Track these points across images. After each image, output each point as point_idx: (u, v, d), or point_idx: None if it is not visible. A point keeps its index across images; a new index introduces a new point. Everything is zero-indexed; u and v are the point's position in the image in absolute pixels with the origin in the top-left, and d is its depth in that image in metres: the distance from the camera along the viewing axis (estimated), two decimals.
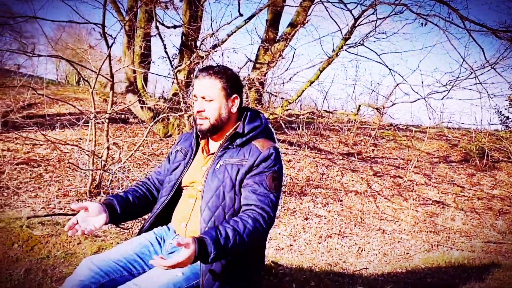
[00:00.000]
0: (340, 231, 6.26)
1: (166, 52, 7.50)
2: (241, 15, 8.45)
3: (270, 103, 10.56)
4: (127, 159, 6.34)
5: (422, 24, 8.92)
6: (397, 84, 8.81)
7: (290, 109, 9.36)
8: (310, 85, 9.19)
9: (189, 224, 1.99)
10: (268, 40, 9.68)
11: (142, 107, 9.09)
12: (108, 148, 6.14)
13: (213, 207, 1.90)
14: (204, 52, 8.03)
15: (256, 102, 9.34)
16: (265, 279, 3.22)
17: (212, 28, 7.91)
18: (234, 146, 2.00)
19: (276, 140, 2.13)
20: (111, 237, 3.74)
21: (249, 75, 8.85)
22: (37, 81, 11.32)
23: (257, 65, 9.39)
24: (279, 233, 5.89)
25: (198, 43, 8.46)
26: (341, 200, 7.35)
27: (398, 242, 6.15)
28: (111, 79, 6.15)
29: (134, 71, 8.92)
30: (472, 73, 8.29)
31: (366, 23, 8.87)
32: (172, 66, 8.38)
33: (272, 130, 2.16)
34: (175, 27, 8.91)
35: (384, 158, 9.60)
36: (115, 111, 7.62)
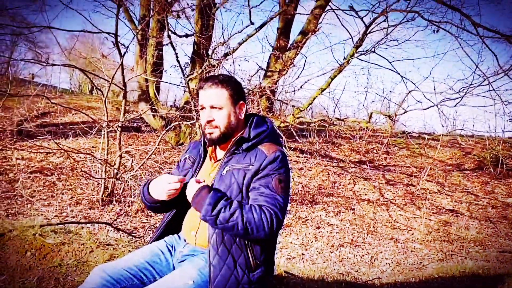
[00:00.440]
0: (352, 240, 6.20)
1: (178, 60, 7.55)
2: (252, 23, 8.49)
3: (281, 111, 10.56)
4: (139, 167, 6.37)
5: (434, 31, 8.89)
6: (409, 92, 8.76)
7: (301, 117, 9.35)
8: (321, 92, 9.18)
9: (198, 232, 2.00)
10: (279, 48, 9.70)
11: (154, 116, 9.15)
12: (120, 156, 6.18)
13: None
14: (215, 60, 8.08)
15: (267, 110, 9.35)
16: None
17: (223, 37, 7.96)
18: (240, 151, 2.02)
19: (282, 144, 2.13)
20: (122, 246, 3.75)
21: (260, 83, 8.87)
22: (51, 90, 11.47)
23: (268, 73, 9.41)
24: (291, 242, 5.85)
25: (210, 52, 8.51)
26: (353, 209, 7.29)
27: (411, 251, 6.08)
28: (123, 88, 6.20)
29: (147, 80, 8.99)
30: (485, 79, 8.21)
31: (377, 30, 8.86)
32: (184, 75, 8.43)
33: (279, 134, 2.17)
34: (187, 36, 8.98)
35: (397, 166, 9.52)
36: (128, 119, 7.69)
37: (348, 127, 10.43)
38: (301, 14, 10.32)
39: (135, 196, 6.16)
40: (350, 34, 8.92)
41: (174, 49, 7.26)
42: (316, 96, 9.26)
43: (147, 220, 5.73)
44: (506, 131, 10.92)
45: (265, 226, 1.78)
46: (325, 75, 8.92)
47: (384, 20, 8.55)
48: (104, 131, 6.09)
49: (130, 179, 6.20)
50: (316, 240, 6.02)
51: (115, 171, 6.08)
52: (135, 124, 9.60)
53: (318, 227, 6.48)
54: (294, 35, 10.39)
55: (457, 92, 8.40)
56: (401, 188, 8.42)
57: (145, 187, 2.08)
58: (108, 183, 6.12)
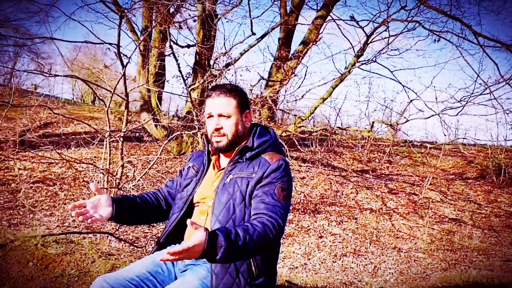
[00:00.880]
0: (355, 249, 6.17)
1: (180, 71, 7.60)
2: (253, 34, 8.55)
3: (283, 120, 10.58)
4: (141, 177, 6.37)
5: (435, 40, 8.93)
6: (411, 101, 8.77)
7: (303, 126, 9.37)
8: (322, 102, 9.20)
9: None
10: (280, 58, 9.74)
11: (156, 126, 9.17)
12: (122, 166, 6.18)
13: (224, 221, 1.91)
14: (217, 70, 8.12)
15: (269, 119, 9.36)
16: None
17: (225, 47, 8.02)
18: (244, 160, 2.04)
19: (285, 154, 2.15)
20: (124, 256, 3.74)
21: (262, 92, 8.90)
22: (53, 100, 11.53)
23: (270, 83, 9.44)
24: (293, 252, 5.83)
25: (212, 62, 8.55)
26: (356, 218, 7.27)
27: (415, 260, 6.04)
28: (126, 98, 6.22)
29: (149, 90, 9.03)
30: (486, 88, 8.21)
31: (378, 40, 8.91)
32: (186, 85, 8.46)
33: (282, 144, 2.19)
34: (188, 46, 9.03)
35: (399, 175, 9.50)
36: (130, 129, 7.70)
37: (350, 136, 10.42)
38: (302, 24, 10.40)
39: None
40: (351, 43, 8.95)
41: (176, 60, 7.32)
42: (318, 105, 9.28)
43: (149, 230, 5.72)
44: (508, 140, 10.91)
45: (270, 235, 1.78)
46: (326, 85, 8.95)
47: (385, 30, 8.60)
48: (106, 141, 6.10)
49: (132, 189, 6.20)
50: (318, 250, 6.00)
51: (117, 181, 6.08)
52: (137, 134, 9.62)
53: (321, 237, 6.45)
54: (295, 45, 10.46)
55: (459, 101, 8.41)
56: (403, 197, 8.39)
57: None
58: (110, 193, 6.11)
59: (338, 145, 10.45)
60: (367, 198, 8.18)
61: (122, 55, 5.97)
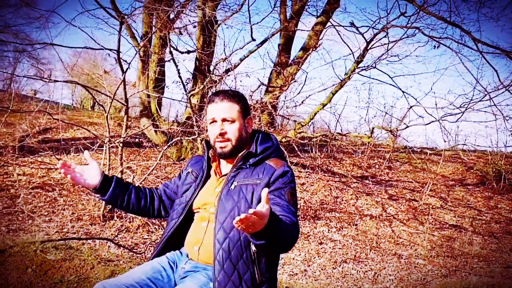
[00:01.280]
0: (355, 256, 6.15)
1: (180, 76, 7.60)
2: (253, 40, 8.57)
3: (282, 126, 10.57)
4: (140, 183, 6.36)
5: (434, 46, 8.95)
6: (411, 107, 8.77)
7: (303, 132, 9.36)
8: (322, 108, 9.21)
9: (202, 248, 1.98)
10: (280, 64, 9.76)
11: (156, 131, 9.16)
12: (122, 172, 6.17)
13: (228, 228, 1.90)
14: (217, 76, 8.12)
15: (268, 125, 9.36)
16: None
17: (225, 53, 8.02)
18: (247, 166, 2.03)
19: (287, 160, 2.15)
20: (123, 262, 3.72)
21: (261, 98, 8.90)
22: (53, 106, 11.50)
23: (270, 89, 9.45)
24: (293, 258, 5.81)
25: (211, 68, 8.56)
26: (356, 224, 7.25)
27: (415, 267, 6.02)
28: (125, 104, 6.22)
29: (148, 96, 9.03)
30: (486, 95, 8.21)
31: (378, 46, 8.93)
32: (185, 91, 8.46)
33: (284, 151, 2.19)
34: (188, 52, 9.04)
35: (399, 181, 9.49)
36: (129, 135, 7.69)
37: (350, 142, 10.41)
38: (302, 30, 10.42)
39: None
40: (351, 50, 8.96)
41: (176, 65, 7.32)
42: (318, 111, 9.28)
43: (148, 236, 5.70)
44: (508, 146, 10.90)
45: (298, 233, 1.82)
46: (326, 91, 8.96)
47: (385, 36, 8.62)
48: (105, 147, 6.09)
49: None
50: (318, 256, 5.98)
51: None
52: (136, 140, 9.61)
53: (321, 243, 6.43)
54: (295, 51, 10.48)
55: (458, 108, 8.40)
56: (403, 203, 8.38)
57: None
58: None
59: (338, 151, 10.45)
60: (367, 204, 8.16)
61: (122, 61, 5.98)
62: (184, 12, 8.35)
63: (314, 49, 9.36)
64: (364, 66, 9.08)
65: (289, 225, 1.73)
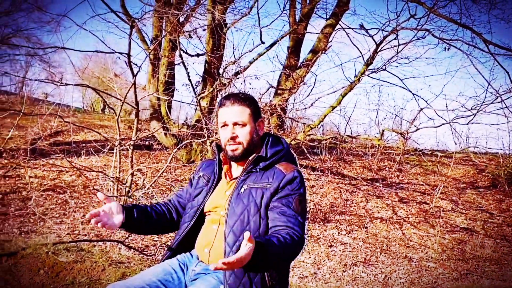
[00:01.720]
0: (365, 259, 6.12)
1: (189, 79, 7.63)
2: (262, 42, 8.55)
3: (292, 128, 10.56)
4: (151, 185, 6.39)
5: (445, 48, 8.89)
6: (421, 109, 8.72)
7: (312, 134, 9.35)
8: (332, 110, 9.18)
9: (212, 250, 1.99)
10: (289, 66, 9.76)
11: (166, 134, 9.21)
12: (132, 174, 6.21)
13: (238, 231, 1.90)
14: (226, 79, 8.14)
15: (278, 127, 9.36)
16: None
17: (234, 56, 8.03)
18: (258, 170, 2.03)
19: (298, 164, 2.14)
20: (134, 264, 3.74)
21: (271, 101, 8.90)
22: (64, 109, 11.60)
23: (279, 91, 9.45)
24: (303, 261, 5.79)
25: (221, 71, 8.58)
26: (366, 227, 7.22)
27: (426, 270, 5.98)
28: (136, 107, 6.26)
29: (158, 99, 9.08)
30: (498, 97, 8.13)
31: (388, 48, 8.89)
32: (195, 93, 8.49)
33: (294, 154, 2.18)
34: (198, 55, 9.08)
35: (410, 184, 9.43)
36: (140, 138, 7.74)
37: (360, 145, 10.37)
38: (311, 33, 10.40)
39: None
40: (360, 52, 8.93)
41: (186, 68, 7.35)
42: (327, 114, 9.26)
43: (158, 238, 5.72)
44: None
45: (298, 248, 1.80)
46: (336, 93, 8.93)
47: (395, 38, 8.59)
48: (116, 149, 6.14)
49: (142, 197, 6.22)
50: (328, 259, 5.96)
51: (127, 189, 6.11)
52: (147, 142, 9.66)
53: (331, 246, 6.41)
54: (304, 53, 10.47)
55: (470, 110, 8.33)
56: (414, 206, 8.32)
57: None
58: (120, 201, 6.13)
59: (348, 154, 10.41)
60: (377, 207, 8.12)
61: (132, 64, 6.03)
62: (193, 15, 8.39)
63: (323, 51, 9.35)
64: (374, 69, 9.05)
65: (287, 244, 1.71)
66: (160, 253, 4.90)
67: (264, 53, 9.08)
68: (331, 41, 9.72)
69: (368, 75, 9.13)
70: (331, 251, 6.26)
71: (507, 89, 8.28)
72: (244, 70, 8.53)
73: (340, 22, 9.85)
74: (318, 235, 6.69)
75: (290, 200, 1.90)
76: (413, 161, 10.80)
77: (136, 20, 6.66)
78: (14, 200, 6.48)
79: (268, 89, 8.73)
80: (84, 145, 8.77)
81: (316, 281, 5.23)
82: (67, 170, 7.45)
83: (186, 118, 13.13)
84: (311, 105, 8.76)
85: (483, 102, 8.24)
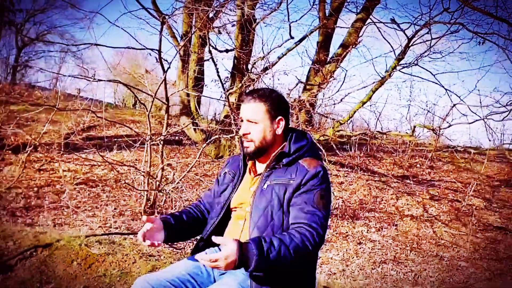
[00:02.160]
0: (395, 256, 6.04)
1: (218, 75, 7.67)
2: (292, 37, 8.52)
3: (321, 124, 10.49)
4: (180, 180, 6.46)
5: (479, 42, 8.65)
6: (454, 105, 8.51)
7: (341, 130, 9.26)
8: (362, 105, 9.07)
9: None
10: (319, 61, 9.68)
11: (195, 129, 9.29)
12: (162, 169, 6.29)
13: (262, 227, 1.91)
14: (255, 74, 8.14)
15: (306, 123, 9.31)
16: None
17: (263, 51, 8.02)
18: (281, 166, 2.02)
19: (323, 159, 2.12)
20: (164, 257, 3.80)
21: (299, 96, 8.86)
22: (96, 104, 11.84)
23: (308, 87, 9.39)
24: (331, 258, 5.76)
25: (249, 66, 8.59)
26: (396, 225, 7.12)
27: (457, 269, 5.86)
28: (166, 103, 6.34)
29: (188, 95, 9.16)
30: None
31: (420, 43, 8.70)
32: (224, 89, 8.53)
33: (320, 149, 2.16)
34: (227, 51, 9.10)
35: (441, 181, 9.25)
36: (170, 133, 7.83)
37: (391, 141, 10.21)
38: (341, 27, 10.27)
39: (176, 208, 6.25)
40: (392, 46, 8.77)
41: (215, 64, 7.40)
42: (357, 109, 9.14)
43: None
44: None
45: (309, 246, 1.78)
46: (366, 88, 8.79)
47: (427, 33, 8.40)
48: (147, 144, 6.23)
49: (172, 191, 6.30)
50: (357, 256, 5.91)
51: (157, 183, 6.20)
52: (176, 138, 9.78)
53: (359, 243, 6.35)
54: (334, 48, 10.35)
55: (505, 106, 8.08)
56: (446, 203, 8.16)
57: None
58: (150, 195, 6.23)
59: (378, 150, 10.28)
60: (407, 204, 8.00)
61: (163, 60, 6.10)
62: (223, 11, 8.40)
63: (353, 46, 9.22)
64: (405, 63, 8.88)
65: (293, 240, 1.75)
66: (189, 247, 4.96)
67: (293, 48, 9.04)
68: (361, 36, 9.57)
69: (399, 70, 8.97)
70: (360, 248, 6.20)
71: None
72: (273, 65, 8.52)
73: (371, 16, 9.69)
74: (347, 232, 6.64)
75: (311, 195, 1.89)
76: (445, 158, 10.58)
77: (167, 17, 6.72)
78: (48, 193, 6.66)
79: (297, 84, 8.69)
80: (116, 139, 8.94)
81: (344, 278, 5.20)
82: (99, 164, 7.61)
83: (215, 114, 13.22)
84: (341, 100, 8.66)
85: None
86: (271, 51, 8.06)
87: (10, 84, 15.64)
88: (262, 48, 8.01)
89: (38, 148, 7.48)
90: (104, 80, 7.47)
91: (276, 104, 2.07)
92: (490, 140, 12.80)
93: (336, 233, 6.55)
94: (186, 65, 9.25)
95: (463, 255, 6.35)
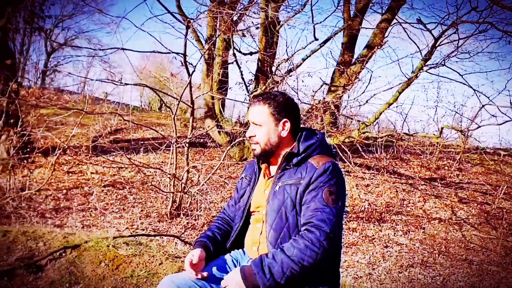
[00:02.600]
0: (422, 260, 5.94)
1: (242, 78, 7.72)
2: (316, 39, 8.49)
3: (346, 126, 10.41)
4: (205, 182, 6.51)
5: (509, 42, 8.46)
6: (483, 106, 8.32)
7: (367, 132, 9.16)
8: (388, 107, 8.97)
9: (260, 248, 2.02)
10: (343, 62, 9.61)
11: (219, 132, 9.35)
12: (188, 171, 6.35)
13: (278, 228, 1.93)
14: (279, 77, 8.14)
15: (331, 125, 9.25)
16: None
17: (287, 53, 8.03)
18: (291, 166, 2.02)
19: (335, 155, 2.10)
20: None
21: (324, 98, 8.82)
22: (123, 107, 12.06)
23: (333, 88, 9.34)
24: (357, 261, 5.70)
25: (273, 68, 8.59)
26: (424, 228, 7.00)
27: (487, 274, 5.72)
28: (191, 105, 6.40)
29: (213, 97, 9.22)
30: None
31: (447, 43, 8.58)
32: (248, 92, 8.56)
33: (330, 146, 2.14)
34: (251, 53, 9.13)
35: (470, 184, 9.05)
36: (195, 135, 7.89)
37: (417, 143, 10.06)
38: (366, 28, 10.19)
39: (201, 210, 6.29)
40: (418, 47, 8.65)
41: (239, 67, 7.44)
42: (383, 111, 9.05)
43: None
44: None
45: (315, 250, 1.77)
46: (392, 89, 8.70)
47: (455, 32, 8.28)
48: (172, 147, 6.30)
49: (197, 193, 6.35)
50: (384, 260, 5.83)
51: (183, 185, 6.26)
52: (201, 140, 9.85)
53: (386, 246, 6.27)
54: (359, 49, 10.27)
55: None
56: (475, 206, 7.98)
57: None
58: (176, 197, 6.29)
59: (405, 152, 10.13)
60: (435, 207, 7.85)
61: (188, 64, 6.16)
62: (247, 14, 8.44)
63: (379, 47, 9.13)
64: (432, 64, 8.75)
65: (287, 253, 1.78)
66: None
67: (318, 49, 9.01)
68: (387, 36, 9.47)
69: (426, 71, 8.85)
70: (387, 251, 6.12)
71: None
72: (297, 67, 8.51)
73: (396, 17, 9.59)
74: (373, 235, 6.56)
75: (319, 192, 1.88)
76: (474, 160, 10.36)
77: (192, 20, 6.79)
78: (76, 195, 6.81)
79: (321, 86, 8.66)
80: (142, 142, 9.06)
81: (371, 281, 5.13)
82: (126, 167, 7.73)
83: (239, 116, 13.28)
84: (366, 102, 8.58)
85: None
86: (295, 53, 8.06)
87: (40, 89, 16.07)
88: (286, 50, 8.04)
89: (67, 151, 7.64)
90: (131, 84, 7.59)
91: (281, 106, 2.07)
92: None
93: (362, 236, 6.48)
94: (210, 68, 9.32)
95: (493, 260, 6.19)
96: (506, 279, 5.60)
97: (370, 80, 8.33)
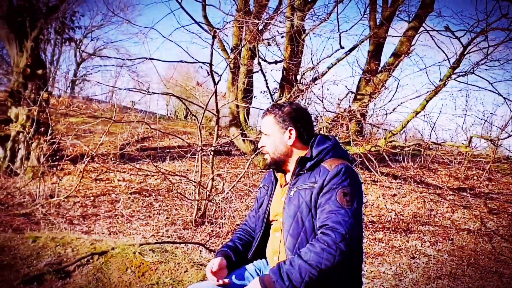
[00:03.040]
0: (450, 272, 5.80)
1: (267, 86, 7.74)
2: (342, 47, 8.46)
3: (372, 134, 10.30)
4: (230, 190, 6.53)
5: None
6: None
7: (394, 141, 9.05)
8: (415, 115, 8.84)
9: (280, 257, 2.02)
10: (369, 71, 9.56)
11: (244, 140, 9.38)
12: (212, 179, 6.39)
13: (295, 234, 1.93)
14: (304, 85, 8.14)
15: (357, 133, 9.18)
16: None
17: (312, 62, 8.02)
18: (305, 171, 2.02)
19: (349, 158, 2.09)
20: None
21: (350, 106, 8.77)
22: (150, 116, 12.24)
23: (359, 97, 9.28)
24: (383, 272, 5.61)
25: (298, 77, 8.60)
26: (452, 239, 6.84)
27: None
28: (216, 114, 6.45)
29: (238, 106, 9.28)
30: None
31: (476, 50, 8.42)
32: (273, 100, 8.58)
33: (345, 150, 2.14)
34: (276, 62, 9.16)
35: (501, 194, 8.82)
36: (220, 144, 7.94)
37: (446, 152, 9.87)
38: (393, 36, 10.13)
39: (225, 218, 6.31)
40: (446, 55, 8.51)
41: (264, 76, 7.47)
42: (410, 119, 8.93)
43: None
44: None
45: (332, 252, 1.75)
46: (419, 98, 8.58)
47: (484, 40, 8.11)
48: (198, 155, 6.35)
49: (221, 201, 6.37)
50: (411, 271, 5.72)
51: (208, 193, 6.29)
52: (226, 148, 9.91)
53: (413, 257, 6.15)
54: (385, 57, 10.20)
55: None
56: (505, 217, 7.77)
57: None
58: (201, 205, 6.33)
59: (433, 161, 9.95)
60: (464, 218, 7.68)
61: (214, 73, 6.21)
62: (272, 23, 8.48)
63: (406, 55, 9.05)
64: (460, 72, 8.59)
65: (304, 258, 1.77)
66: None
67: (343, 58, 8.98)
68: (414, 44, 9.38)
69: (454, 79, 8.70)
70: (414, 263, 6.00)
71: None
72: (322, 75, 8.49)
73: (423, 24, 9.50)
74: (400, 246, 6.45)
75: (332, 194, 1.87)
76: (504, 170, 10.09)
77: (218, 30, 6.86)
78: (104, 202, 6.93)
79: (347, 94, 8.62)
80: (168, 150, 9.17)
81: None
82: (152, 174, 7.83)
83: None
84: (393, 110, 8.50)
85: None
86: (320, 61, 8.05)
87: (69, 98, 16.49)
88: (311, 59, 8.02)
89: (95, 158, 7.79)
90: (158, 93, 7.70)
91: (286, 115, 2.10)
92: None
93: (389, 247, 6.38)
94: (236, 77, 9.39)
95: None
96: None
97: (397, 88, 8.28)
